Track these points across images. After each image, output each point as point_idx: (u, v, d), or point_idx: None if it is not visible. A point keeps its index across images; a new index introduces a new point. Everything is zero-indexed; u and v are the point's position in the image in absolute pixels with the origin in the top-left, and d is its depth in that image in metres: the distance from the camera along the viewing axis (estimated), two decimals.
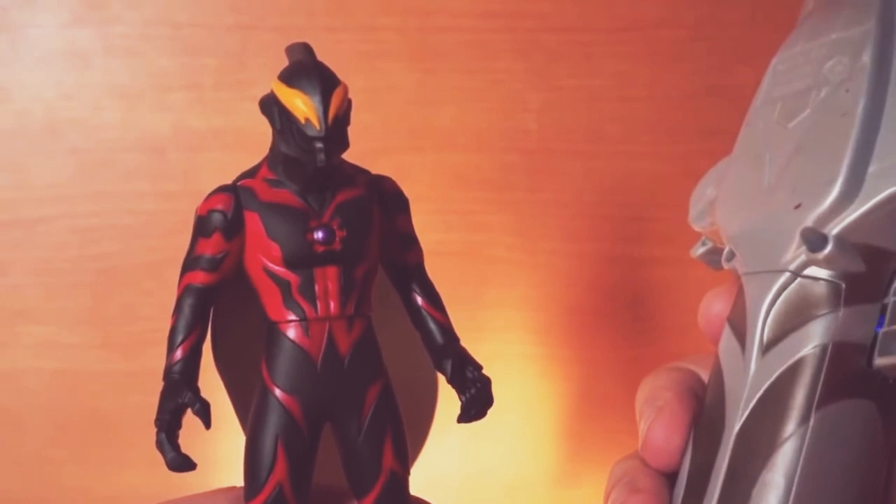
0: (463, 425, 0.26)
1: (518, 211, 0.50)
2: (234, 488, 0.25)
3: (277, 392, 0.23)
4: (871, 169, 0.21)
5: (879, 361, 0.21)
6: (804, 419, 0.21)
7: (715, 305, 0.25)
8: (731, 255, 0.25)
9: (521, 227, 0.50)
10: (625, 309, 0.52)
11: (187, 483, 0.25)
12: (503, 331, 0.51)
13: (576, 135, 0.50)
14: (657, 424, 0.25)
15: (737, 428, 0.22)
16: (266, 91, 0.24)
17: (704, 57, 0.50)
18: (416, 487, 0.25)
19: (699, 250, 0.27)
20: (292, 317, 0.24)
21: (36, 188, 0.45)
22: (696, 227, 0.27)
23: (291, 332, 0.24)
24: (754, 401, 0.22)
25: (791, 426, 0.21)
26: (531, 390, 0.52)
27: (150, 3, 0.45)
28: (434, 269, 0.28)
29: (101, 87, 0.45)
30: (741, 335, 0.23)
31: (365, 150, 0.51)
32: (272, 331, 0.24)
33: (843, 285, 0.21)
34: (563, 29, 0.49)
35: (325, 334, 0.24)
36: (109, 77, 0.45)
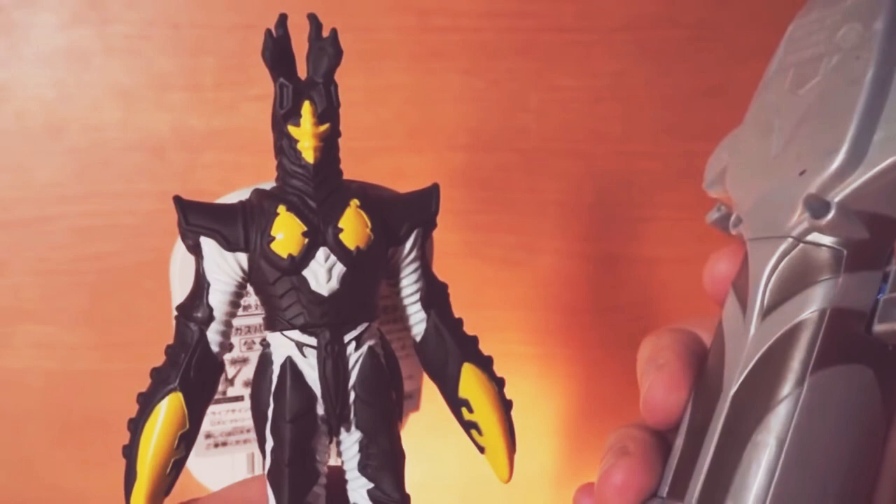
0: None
1: (518, 211, 0.50)
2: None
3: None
4: (877, 137, 0.21)
5: (879, 328, 0.21)
6: (799, 382, 0.21)
7: (719, 266, 0.25)
8: (739, 221, 0.25)
9: (521, 227, 0.50)
10: (624, 309, 0.52)
11: (182, 489, 0.25)
12: (503, 331, 0.51)
13: (575, 135, 0.50)
14: (658, 381, 0.25)
15: (733, 389, 0.22)
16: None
17: (704, 57, 0.50)
18: (416, 487, 0.25)
19: (714, 216, 0.28)
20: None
21: (36, 188, 0.45)
22: (711, 194, 0.27)
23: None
24: (752, 363, 0.22)
25: (786, 388, 0.21)
26: (531, 390, 0.52)
27: (150, 3, 0.45)
28: (434, 268, 0.28)
29: (101, 87, 0.45)
30: (743, 300, 0.23)
31: (365, 149, 0.51)
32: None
33: (845, 252, 0.22)
34: (562, 29, 0.49)
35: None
36: (109, 77, 0.45)
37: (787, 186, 0.22)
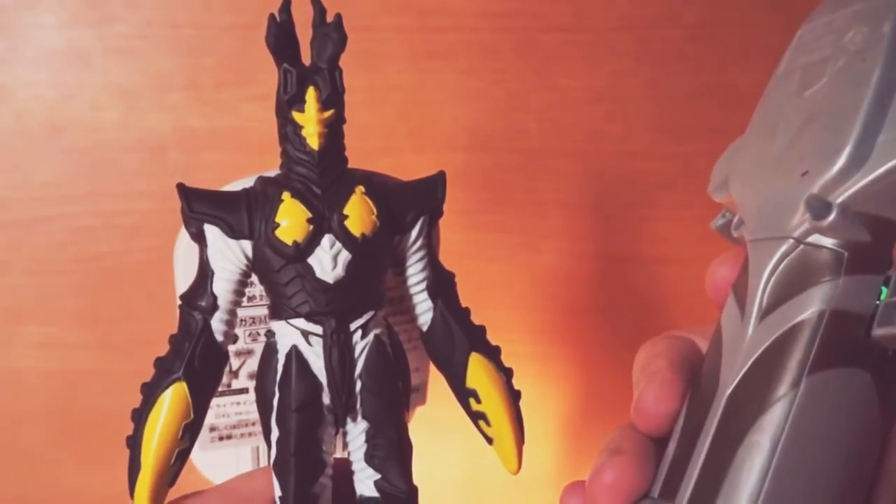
0: (462, 425, 0.26)
1: (518, 211, 0.50)
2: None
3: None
4: (881, 139, 0.21)
5: (878, 332, 0.21)
6: (795, 383, 0.21)
7: (720, 271, 0.25)
8: (740, 223, 0.25)
9: (521, 227, 0.50)
10: (624, 309, 0.52)
11: (187, 482, 0.25)
12: (502, 331, 0.51)
13: (575, 135, 0.50)
14: (648, 390, 0.25)
15: (729, 390, 0.22)
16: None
17: (704, 57, 0.50)
18: (417, 486, 0.25)
19: (718, 222, 0.27)
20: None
21: (35, 188, 0.45)
22: (716, 198, 0.27)
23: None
24: (749, 364, 0.22)
25: (781, 389, 0.21)
26: (531, 390, 0.52)
27: (150, 3, 0.45)
28: None
29: (101, 87, 0.45)
30: (742, 301, 0.23)
31: (365, 150, 0.51)
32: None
33: (846, 254, 0.21)
34: (562, 29, 0.49)
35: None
36: (109, 77, 0.45)
37: (789, 187, 0.22)
